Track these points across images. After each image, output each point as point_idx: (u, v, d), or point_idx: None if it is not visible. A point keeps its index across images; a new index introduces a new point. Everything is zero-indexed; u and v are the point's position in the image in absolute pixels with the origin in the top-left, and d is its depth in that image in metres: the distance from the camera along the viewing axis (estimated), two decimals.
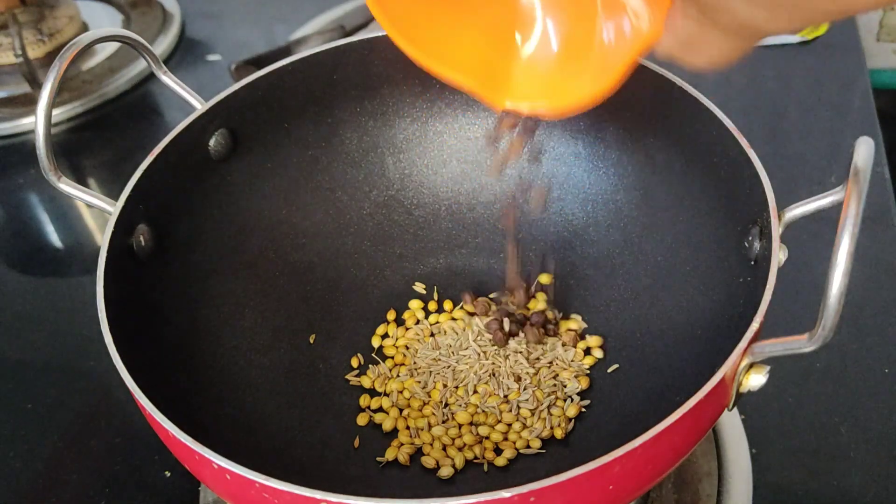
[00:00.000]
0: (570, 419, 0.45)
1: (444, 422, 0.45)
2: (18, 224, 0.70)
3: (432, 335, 0.50)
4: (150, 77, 0.82)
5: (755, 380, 0.33)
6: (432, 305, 0.51)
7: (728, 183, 0.41)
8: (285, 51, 0.76)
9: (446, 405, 0.46)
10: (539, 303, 0.50)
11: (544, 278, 0.51)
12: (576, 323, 0.49)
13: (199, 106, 0.45)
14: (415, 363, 0.48)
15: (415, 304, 0.51)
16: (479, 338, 0.49)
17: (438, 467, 0.43)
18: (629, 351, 0.47)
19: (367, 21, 0.83)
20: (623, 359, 0.47)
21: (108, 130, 0.78)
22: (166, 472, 0.50)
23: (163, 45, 0.85)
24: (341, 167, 0.52)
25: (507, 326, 0.48)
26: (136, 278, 0.41)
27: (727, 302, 0.40)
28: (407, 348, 0.49)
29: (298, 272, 0.50)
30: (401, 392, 0.47)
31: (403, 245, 0.53)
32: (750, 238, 0.38)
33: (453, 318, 0.50)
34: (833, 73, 0.75)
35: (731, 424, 0.49)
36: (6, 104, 0.80)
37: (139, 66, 0.82)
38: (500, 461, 0.44)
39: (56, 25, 0.84)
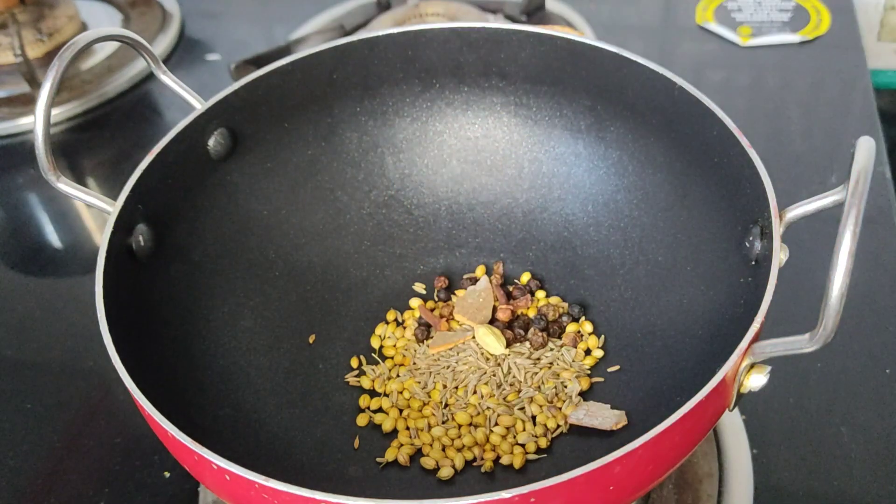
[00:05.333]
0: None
1: (443, 422, 0.45)
2: (18, 224, 0.70)
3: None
4: (149, 77, 0.82)
5: (756, 380, 0.33)
6: (431, 304, 0.51)
7: (729, 183, 0.41)
8: (285, 50, 0.76)
9: (446, 406, 0.46)
10: (554, 308, 0.49)
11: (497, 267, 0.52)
12: (584, 326, 0.49)
13: (199, 106, 0.45)
14: (414, 363, 0.48)
15: (415, 303, 0.51)
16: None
17: (438, 468, 0.43)
18: (629, 351, 0.47)
19: (367, 20, 0.83)
20: (623, 359, 0.47)
21: (107, 130, 0.78)
22: (166, 473, 0.50)
23: (162, 45, 0.85)
24: (341, 167, 0.52)
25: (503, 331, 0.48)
26: (136, 278, 0.41)
27: (728, 302, 0.40)
28: (406, 349, 0.49)
29: (298, 272, 0.50)
30: (401, 392, 0.47)
31: (403, 245, 0.53)
32: (751, 238, 0.38)
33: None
34: (833, 73, 0.75)
35: (732, 425, 0.49)
36: (5, 104, 0.79)
37: (139, 66, 0.82)
38: (500, 462, 0.44)
39: (55, 25, 0.84)
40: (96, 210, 0.42)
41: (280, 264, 0.50)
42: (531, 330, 0.48)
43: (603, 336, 0.48)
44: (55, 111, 0.77)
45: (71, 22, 0.85)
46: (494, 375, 0.47)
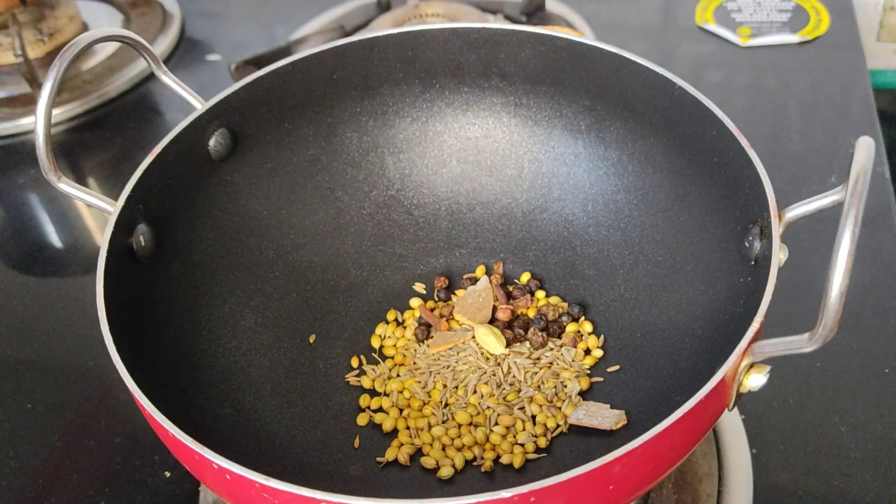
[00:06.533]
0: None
1: (443, 422, 0.45)
2: (18, 224, 0.70)
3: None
4: (150, 77, 0.82)
5: (755, 380, 0.33)
6: (431, 304, 0.51)
7: (728, 183, 0.41)
8: (285, 51, 0.76)
9: (446, 405, 0.46)
10: (554, 308, 0.50)
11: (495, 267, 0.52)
12: (584, 326, 0.49)
13: (199, 106, 0.45)
14: (415, 363, 0.48)
15: (415, 303, 0.51)
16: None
17: (438, 467, 0.43)
18: (629, 351, 0.47)
19: (367, 21, 0.83)
20: (623, 359, 0.47)
21: (108, 130, 0.78)
22: (166, 472, 0.50)
23: (163, 45, 0.85)
24: (341, 167, 0.52)
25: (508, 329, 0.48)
26: (136, 278, 0.41)
27: (727, 302, 0.40)
28: (407, 348, 0.49)
29: (298, 272, 0.50)
30: (401, 392, 0.47)
31: (403, 245, 0.53)
32: (750, 238, 0.38)
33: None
34: (833, 73, 0.75)
35: (732, 425, 0.49)
36: (6, 104, 0.80)
37: (139, 66, 0.82)
38: (500, 461, 0.44)
39: (56, 25, 0.84)
40: (97, 210, 0.42)
41: (280, 264, 0.50)
42: (531, 330, 0.48)
43: (603, 336, 0.48)
44: (56, 111, 0.77)
45: (71, 22, 0.85)
46: (494, 375, 0.47)
